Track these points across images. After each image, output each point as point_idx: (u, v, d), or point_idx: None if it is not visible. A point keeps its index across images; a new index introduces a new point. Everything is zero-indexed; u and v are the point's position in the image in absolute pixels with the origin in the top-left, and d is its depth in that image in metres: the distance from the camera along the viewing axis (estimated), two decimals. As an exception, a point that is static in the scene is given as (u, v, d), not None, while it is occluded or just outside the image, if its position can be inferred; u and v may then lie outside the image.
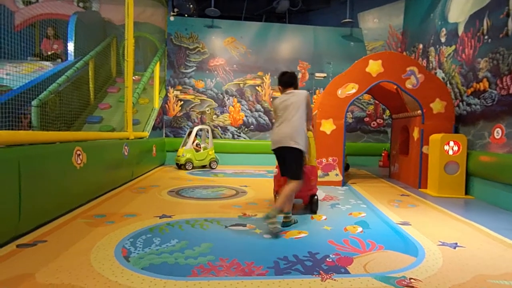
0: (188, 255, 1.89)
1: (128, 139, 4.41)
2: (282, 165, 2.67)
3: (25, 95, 4.19)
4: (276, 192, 2.98)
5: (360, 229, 2.47)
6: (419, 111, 4.24)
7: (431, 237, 2.30)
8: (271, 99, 7.14)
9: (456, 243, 2.19)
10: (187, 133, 6.12)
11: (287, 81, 2.74)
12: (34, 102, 4.16)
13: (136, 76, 6.06)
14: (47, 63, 5.47)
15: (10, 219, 2.01)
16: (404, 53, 6.33)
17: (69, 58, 5.56)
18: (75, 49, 5.55)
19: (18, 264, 1.71)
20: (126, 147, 4.15)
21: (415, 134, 4.36)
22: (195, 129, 5.88)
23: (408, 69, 4.19)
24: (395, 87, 4.65)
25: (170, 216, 2.69)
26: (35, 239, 2.08)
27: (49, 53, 5.94)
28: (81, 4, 6.67)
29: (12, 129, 3.50)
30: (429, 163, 4.05)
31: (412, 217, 2.84)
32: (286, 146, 2.48)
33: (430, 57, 5.25)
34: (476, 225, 2.64)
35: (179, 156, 5.82)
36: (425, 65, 5.36)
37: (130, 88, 4.49)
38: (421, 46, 5.66)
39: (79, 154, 2.89)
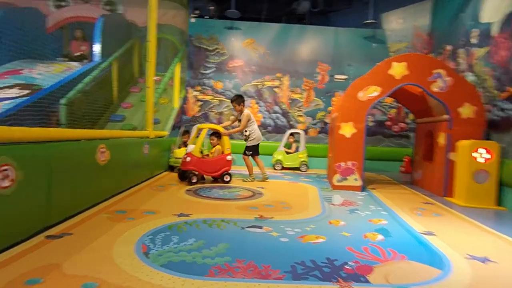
0: (205, 254, 1.90)
1: (148, 137, 4.51)
2: (257, 150, 4.84)
3: (54, 94, 4.39)
4: (183, 170, 4.34)
5: (380, 236, 2.40)
6: (446, 116, 4.08)
7: (458, 250, 2.18)
8: (289, 100, 7.09)
9: (487, 258, 2.06)
10: (182, 132, 5.73)
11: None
12: (62, 101, 4.34)
13: (157, 77, 6.20)
14: (75, 63, 5.69)
15: (41, 211, 2.12)
16: (431, 55, 6.12)
17: (95, 59, 5.76)
18: (101, 50, 5.75)
19: (47, 255, 1.79)
20: (146, 146, 4.25)
21: (441, 139, 4.20)
22: (195, 127, 5.46)
23: (434, 71, 4.04)
24: (420, 90, 4.51)
25: (187, 215, 2.72)
26: (62, 231, 2.17)
27: (77, 54, 6.18)
28: (107, 7, 6.90)
29: (43, 126, 3.66)
30: (456, 171, 3.88)
31: (437, 227, 2.72)
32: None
33: (459, 59, 5.05)
34: (509, 239, 2.48)
35: (180, 158, 4.74)
36: (453, 67, 5.15)
37: (152, 88, 4.59)
38: (449, 47, 5.45)
39: (103, 152, 2.98)
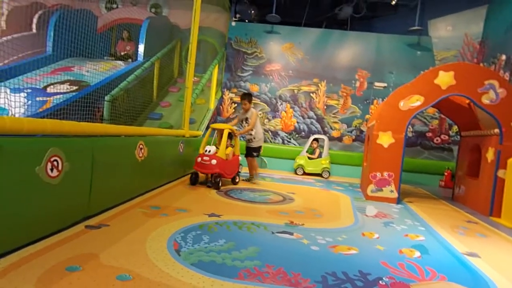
0: (235, 257, 1.90)
1: (184, 136, 4.64)
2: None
3: (100, 90, 4.67)
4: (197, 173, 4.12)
5: (417, 253, 2.26)
6: (497, 130, 3.77)
7: (507, 275, 2.00)
8: (325, 106, 6.96)
9: (539, 287, 1.88)
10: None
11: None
12: (107, 97, 4.61)
13: (196, 78, 6.38)
14: (120, 62, 6.03)
15: (83, 201, 2.25)
16: (481, 65, 5.71)
17: (138, 59, 6.06)
18: (144, 50, 6.04)
19: (86, 244, 1.89)
20: (181, 144, 4.37)
21: (489, 155, 3.88)
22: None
23: (486, 82, 3.75)
24: (467, 101, 4.21)
25: (218, 216, 2.75)
26: (100, 222, 2.29)
27: (122, 53, 6.55)
28: (153, 10, 7.25)
29: (88, 121, 3.91)
30: (505, 189, 3.55)
31: (481, 248, 2.52)
32: None
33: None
34: None
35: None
36: (507, 78, 4.76)
37: (190, 88, 4.73)
38: (504, 57, 5.04)
39: (141, 148, 3.11)
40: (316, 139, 6.46)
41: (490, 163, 3.85)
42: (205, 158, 3.95)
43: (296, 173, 6.24)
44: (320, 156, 6.33)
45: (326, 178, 6.09)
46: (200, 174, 4.18)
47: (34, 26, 6.05)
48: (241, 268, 1.75)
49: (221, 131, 4.37)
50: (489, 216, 3.72)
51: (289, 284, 1.63)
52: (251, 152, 4.76)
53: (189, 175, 4.17)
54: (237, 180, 4.46)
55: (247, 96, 4.70)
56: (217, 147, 4.14)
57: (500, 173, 3.69)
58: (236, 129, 4.61)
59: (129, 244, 1.94)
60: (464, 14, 6.37)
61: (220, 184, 4.00)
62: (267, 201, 3.59)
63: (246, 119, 4.71)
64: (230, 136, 4.42)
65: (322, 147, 6.39)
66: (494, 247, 2.59)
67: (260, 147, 4.80)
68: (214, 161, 3.91)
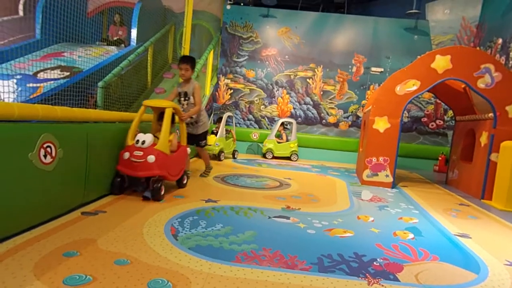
0: (232, 241, 1.93)
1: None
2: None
3: (93, 76, 4.58)
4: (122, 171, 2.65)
5: (411, 235, 2.31)
6: (491, 114, 3.79)
7: (496, 255, 2.06)
8: (322, 92, 6.92)
9: (528, 266, 1.94)
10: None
11: None
12: (100, 84, 4.53)
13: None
14: (112, 47, 5.89)
15: (79, 188, 2.24)
16: (478, 49, 5.68)
17: (131, 44, 5.94)
18: (137, 35, 5.90)
19: (83, 230, 1.90)
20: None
21: (483, 139, 3.92)
22: (226, 115, 5.76)
23: (482, 66, 3.74)
24: (463, 86, 4.21)
25: (215, 201, 2.77)
26: (96, 209, 2.29)
27: (115, 38, 6.39)
28: (145, -8, 7.02)
29: (81, 107, 3.84)
30: (497, 173, 3.62)
31: (472, 229, 2.58)
32: None
33: (511, 53, 4.64)
34: (552, 248, 2.30)
35: (209, 145, 5.19)
36: (503, 62, 4.75)
37: (185, 74, 4.65)
38: (500, 40, 5.02)
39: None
40: (283, 123, 6.47)
41: (483, 147, 3.90)
42: (136, 153, 2.56)
43: (265, 157, 6.26)
44: (288, 139, 6.36)
45: (295, 161, 6.17)
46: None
47: (20, 9, 5.84)
48: (238, 252, 1.77)
49: (159, 111, 2.97)
50: (481, 199, 3.80)
51: (286, 266, 1.65)
52: (197, 141, 3.62)
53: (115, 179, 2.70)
54: (184, 182, 3.18)
55: (189, 60, 3.32)
56: (155, 136, 2.82)
57: (493, 156, 3.74)
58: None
59: (126, 230, 1.95)
60: (462, -3, 6.30)
61: (162, 192, 2.66)
62: (264, 186, 3.61)
63: (186, 94, 3.35)
64: (173, 118, 2.96)
65: (289, 130, 6.42)
66: (485, 228, 2.66)
67: (206, 132, 3.68)
68: (151, 158, 2.55)
